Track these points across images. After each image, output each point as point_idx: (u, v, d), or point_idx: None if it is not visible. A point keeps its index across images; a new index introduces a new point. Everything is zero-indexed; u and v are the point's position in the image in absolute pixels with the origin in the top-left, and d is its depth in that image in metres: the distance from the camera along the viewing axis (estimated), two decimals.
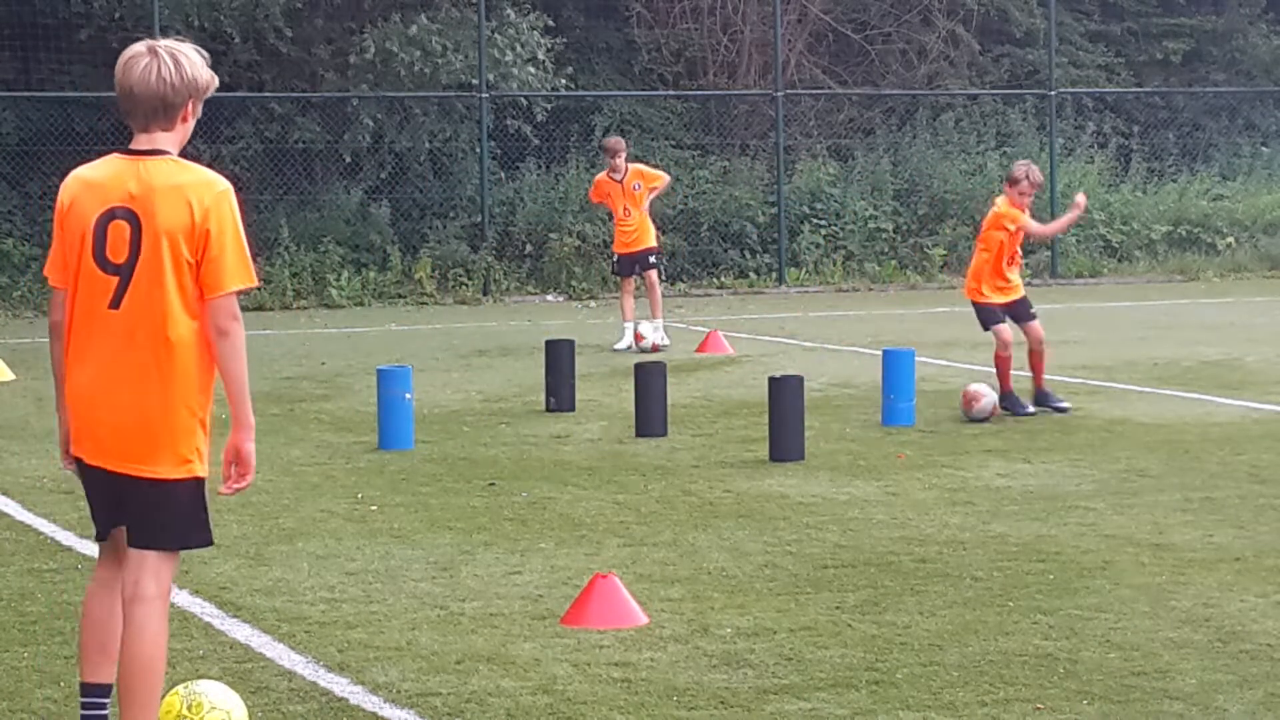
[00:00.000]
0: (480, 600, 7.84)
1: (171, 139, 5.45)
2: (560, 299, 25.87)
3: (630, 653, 6.95)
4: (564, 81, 27.75)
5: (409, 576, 8.30)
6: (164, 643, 5.48)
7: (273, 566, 8.56)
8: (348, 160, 26.86)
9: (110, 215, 5.36)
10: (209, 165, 5.58)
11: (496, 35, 26.72)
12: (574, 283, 26.21)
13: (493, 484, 10.73)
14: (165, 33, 25.21)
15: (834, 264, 27.80)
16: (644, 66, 30.44)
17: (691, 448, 12.06)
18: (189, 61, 5.39)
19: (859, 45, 31.46)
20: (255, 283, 5.54)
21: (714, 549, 8.86)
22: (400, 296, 25.42)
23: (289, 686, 6.58)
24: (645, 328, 18.16)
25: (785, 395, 11.57)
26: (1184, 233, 29.95)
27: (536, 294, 26.16)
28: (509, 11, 27.24)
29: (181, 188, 5.37)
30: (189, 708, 5.68)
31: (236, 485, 5.67)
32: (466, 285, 25.73)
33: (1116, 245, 29.55)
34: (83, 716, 5.57)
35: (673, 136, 29.19)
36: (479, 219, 26.72)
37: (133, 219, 5.34)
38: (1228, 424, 12.81)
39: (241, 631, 7.36)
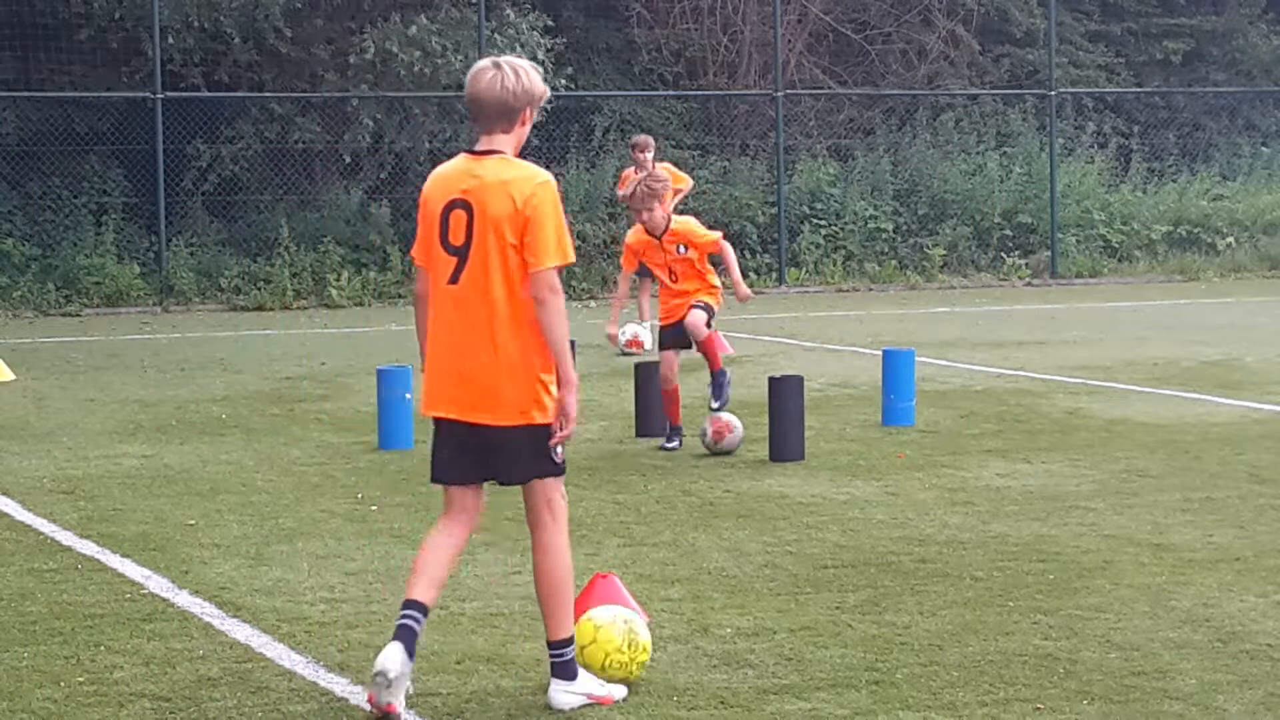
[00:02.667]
0: (480, 600, 7.84)
1: (509, 140, 6.33)
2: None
3: None
4: (564, 81, 27.75)
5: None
6: (567, 560, 6.39)
7: (273, 566, 8.56)
8: (348, 160, 26.86)
9: (451, 205, 6.29)
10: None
11: (496, 35, 26.72)
12: (574, 283, 26.21)
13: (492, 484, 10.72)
14: (165, 33, 25.23)
15: (834, 264, 27.81)
16: (644, 66, 30.45)
17: (691, 448, 12.06)
18: (527, 74, 6.28)
19: (859, 45, 31.46)
20: (571, 259, 6.25)
21: (714, 549, 8.86)
22: (400, 296, 25.41)
23: (289, 686, 6.58)
24: (645, 336, 17.87)
25: (785, 395, 11.57)
26: (1184, 233, 29.96)
27: None
28: (509, 11, 27.24)
29: (506, 183, 6.22)
30: (628, 645, 6.49)
31: (561, 435, 6.37)
32: None
33: (1116, 245, 29.56)
34: (398, 623, 6.21)
35: (673, 136, 29.19)
36: None
37: (468, 209, 6.25)
38: (1228, 424, 12.81)
39: (241, 631, 7.35)
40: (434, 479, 6.50)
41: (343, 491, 10.57)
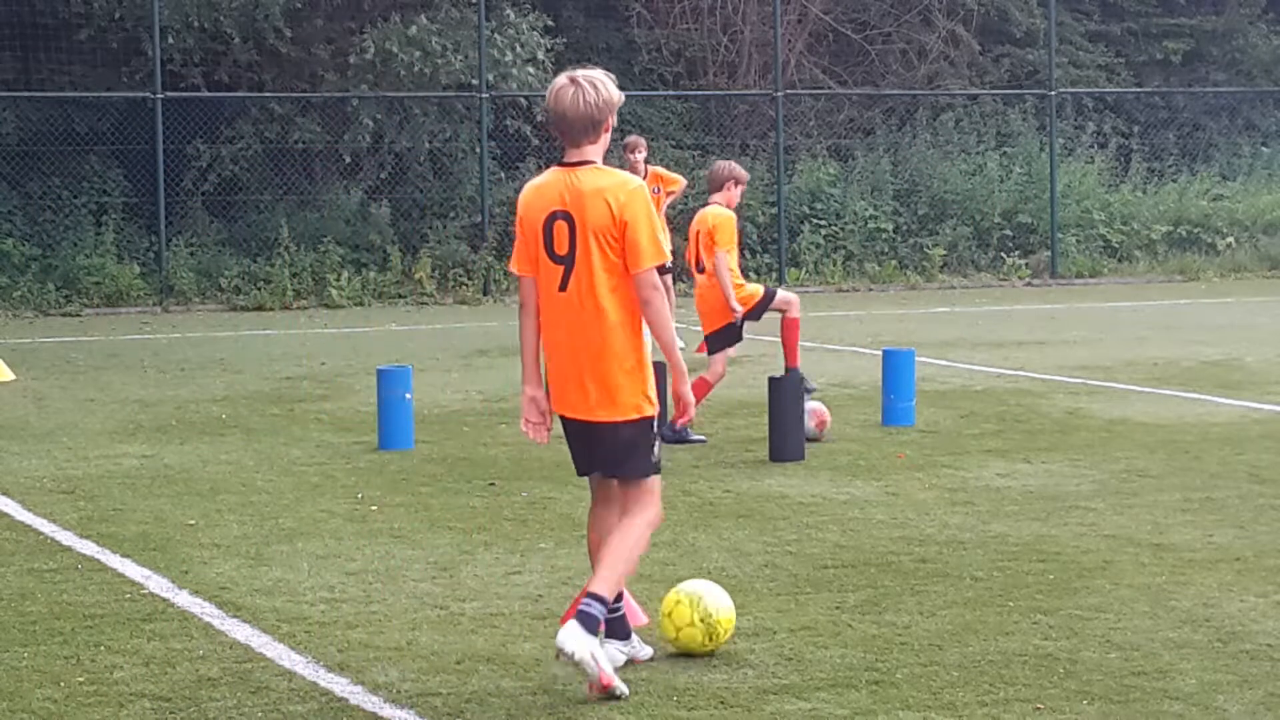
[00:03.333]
0: (480, 600, 7.84)
1: (597, 150, 6.70)
2: None
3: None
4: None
5: (409, 576, 8.30)
6: (639, 542, 6.67)
7: (273, 566, 8.56)
8: (348, 160, 26.87)
9: (553, 217, 6.65)
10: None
11: (496, 35, 26.73)
12: None
13: (493, 484, 10.73)
14: (165, 33, 25.24)
15: (834, 264, 27.81)
16: (644, 66, 30.45)
17: (691, 448, 12.05)
18: (604, 85, 6.67)
19: (859, 45, 31.46)
20: (666, 259, 6.66)
21: (714, 549, 8.86)
22: (400, 296, 25.43)
23: (289, 686, 6.58)
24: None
25: (785, 395, 11.57)
26: (1184, 233, 29.96)
27: None
28: (509, 11, 27.25)
29: (602, 190, 6.61)
30: (709, 637, 6.85)
31: (681, 420, 6.83)
32: (466, 285, 25.74)
33: (1116, 245, 29.56)
34: (606, 620, 6.62)
35: (673, 136, 29.19)
36: (479, 219, 26.72)
37: (570, 221, 6.62)
38: (1228, 424, 12.81)
39: (241, 631, 7.35)
40: (578, 473, 6.91)
41: (343, 491, 10.57)
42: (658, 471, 6.77)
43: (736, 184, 13.18)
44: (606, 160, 6.76)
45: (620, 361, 6.65)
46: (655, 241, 6.61)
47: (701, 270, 12.65)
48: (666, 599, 6.97)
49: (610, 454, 6.71)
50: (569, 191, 6.64)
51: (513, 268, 6.88)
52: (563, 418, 6.82)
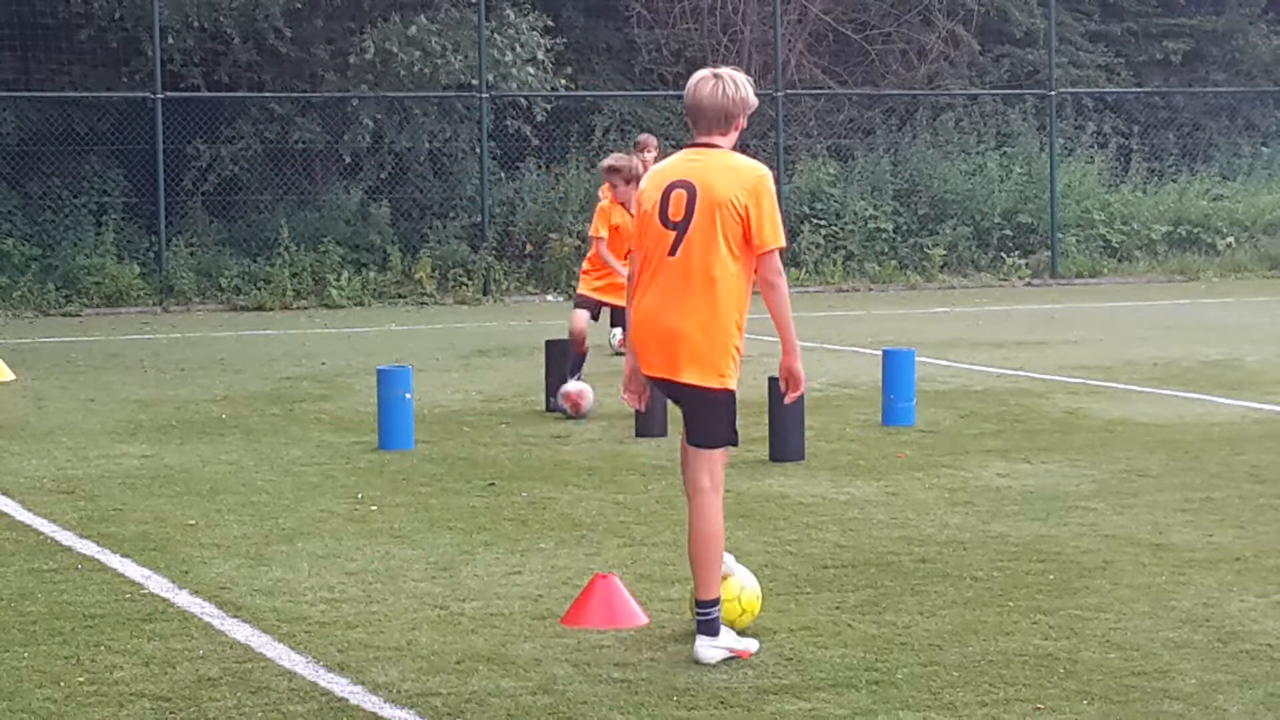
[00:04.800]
0: (480, 600, 7.84)
1: (725, 141, 7.00)
2: (560, 299, 25.86)
3: (630, 653, 6.95)
4: (564, 82, 27.75)
5: (409, 576, 8.30)
6: (719, 525, 6.92)
7: (273, 566, 8.56)
8: (348, 160, 26.87)
9: (672, 186, 6.91)
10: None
11: (496, 35, 26.73)
12: (574, 283, 26.16)
13: (493, 484, 10.73)
14: (165, 34, 25.25)
15: (834, 264, 27.81)
16: (644, 66, 30.45)
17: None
18: (743, 84, 7.01)
19: (859, 45, 31.46)
20: (783, 243, 6.91)
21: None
22: (400, 296, 25.43)
23: (289, 686, 6.58)
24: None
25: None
26: (1184, 233, 29.96)
27: (536, 294, 26.17)
28: (509, 12, 27.24)
29: (734, 169, 6.91)
30: (741, 613, 7.20)
31: (792, 395, 7.14)
32: (466, 285, 25.74)
33: (1116, 245, 29.56)
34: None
35: (673, 136, 29.15)
36: (479, 219, 26.73)
37: (690, 188, 6.86)
38: (1228, 424, 12.81)
39: (241, 631, 7.35)
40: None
41: (343, 491, 10.57)
42: (732, 444, 6.99)
43: (627, 182, 14.00)
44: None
45: (717, 328, 6.85)
46: (775, 226, 6.88)
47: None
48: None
49: (692, 419, 6.97)
50: (694, 165, 6.94)
51: (630, 248, 7.20)
52: (649, 378, 7.07)
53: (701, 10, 30.49)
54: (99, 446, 12.39)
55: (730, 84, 6.95)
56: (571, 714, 6.24)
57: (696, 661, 6.77)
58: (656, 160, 18.19)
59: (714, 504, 6.92)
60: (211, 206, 26.76)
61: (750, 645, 6.91)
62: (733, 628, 7.04)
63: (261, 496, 10.41)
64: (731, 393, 6.94)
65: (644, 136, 18.71)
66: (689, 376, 6.89)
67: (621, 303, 13.91)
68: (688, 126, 7.07)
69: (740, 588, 7.19)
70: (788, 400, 7.23)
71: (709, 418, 6.93)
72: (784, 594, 7.88)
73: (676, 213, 6.87)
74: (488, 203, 26.61)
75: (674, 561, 8.56)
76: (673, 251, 6.88)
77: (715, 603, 6.88)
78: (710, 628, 6.82)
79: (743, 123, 7.03)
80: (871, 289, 27.26)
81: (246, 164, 26.72)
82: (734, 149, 7.02)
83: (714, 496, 6.92)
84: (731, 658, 6.80)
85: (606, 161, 14.41)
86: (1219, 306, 23.57)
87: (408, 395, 12.12)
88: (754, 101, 7.02)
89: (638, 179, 13.53)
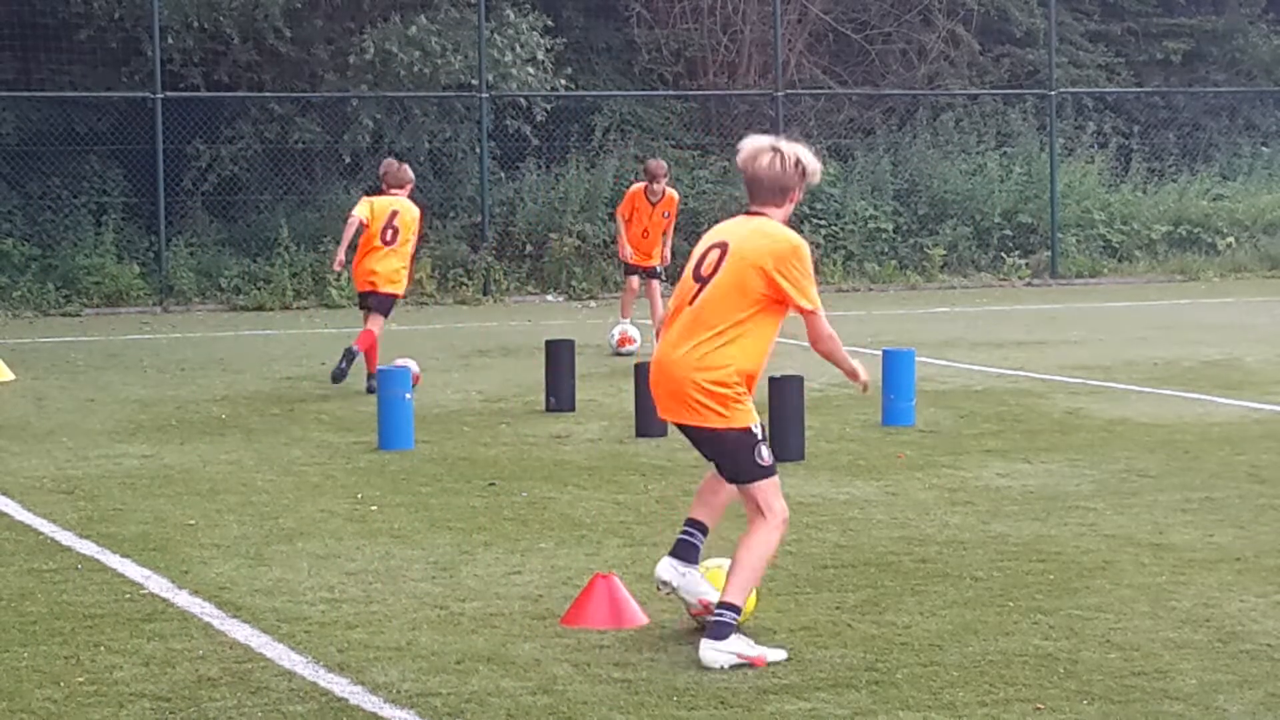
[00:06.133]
0: (480, 600, 7.84)
1: (778, 213, 7.26)
2: (560, 299, 25.88)
3: (630, 653, 6.95)
4: (563, 82, 27.74)
5: (409, 576, 8.30)
6: (768, 553, 7.08)
7: (273, 566, 8.56)
8: (347, 160, 26.86)
9: (711, 246, 7.22)
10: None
11: (496, 35, 26.72)
12: (574, 283, 26.21)
13: (493, 484, 10.73)
14: (165, 34, 25.25)
15: (834, 264, 27.81)
16: (644, 66, 30.44)
17: (691, 448, 12.02)
18: (804, 158, 7.23)
19: (859, 45, 31.46)
20: (815, 307, 7.12)
21: (714, 549, 8.83)
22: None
23: (289, 686, 6.58)
24: (633, 331, 18.19)
25: (785, 395, 11.57)
26: (1184, 233, 29.95)
27: (536, 294, 26.16)
28: (508, 12, 27.24)
29: (769, 235, 7.12)
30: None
31: (862, 386, 7.67)
32: (466, 285, 25.74)
33: (1116, 245, 29.56)
34: (679, 538, 7.34)
35: (673, 136, 29.18)
36: (479, 219, 26.73)
37: (724, 248, 7.15)
38: (1228, 424, 12.81)
39: (241, 631, 7.35)
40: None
41: (343, 491, 10.57)
42: (763, 476, 7.09)
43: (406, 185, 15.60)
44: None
45: (716, 378, 7.05)
46: (806, 292, 7.09)
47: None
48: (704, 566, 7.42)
49: (718, 458, 7.26)
50: (740, 230, 7.22)
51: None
52: (669, 422, 7.41)
53: (701, 10, 30.48)
54: (99, 446, 12.39)
55: (790, 159, 7.18)
56: (571, 714, 6.24)
57: (701, 664, 6.78)
58: (667, 184, 18.49)
59: (771, 533, 7.05)
60: (211, 206, 26.76)
61: (769, 654, 6.86)
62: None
63: (261, 496, 10.41)
64: (746, 430, 7.06)
65: (654, 164, 18.72)
66: (696, 420, 7.14)
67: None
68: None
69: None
70: (861, 387, 7.68)
71: (730, 457, 7.14)
72: (784, 594, 7.88)
73: (707, 269, 7.16)
74: (488, 203, 26.61)
75: None
76: (692, 301, 7.15)
77: (736, 610, 6.91)
78: (721, 631, 6.84)
79: (798, 195, 7.28)
80: (871, 289, 27.26)
81: (246, 164, 26.72)
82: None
83: (771, 526, 7.05)
84: (741, 664, 6.77)
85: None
86: (1219, 306, 23.57)
87: (407, 395, 12.13)
88: (815, 170, 7.25)
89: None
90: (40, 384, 16.11)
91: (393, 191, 15.52)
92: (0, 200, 25.73)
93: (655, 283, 18.54)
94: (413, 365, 14.88)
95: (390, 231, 15.26)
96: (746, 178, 7.29)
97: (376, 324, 15.27)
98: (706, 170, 28.27)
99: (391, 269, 15.30)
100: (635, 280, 18.57)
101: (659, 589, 7.26)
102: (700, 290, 7.14)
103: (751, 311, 7.06)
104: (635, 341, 18.00)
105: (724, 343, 7.05)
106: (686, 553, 7.27)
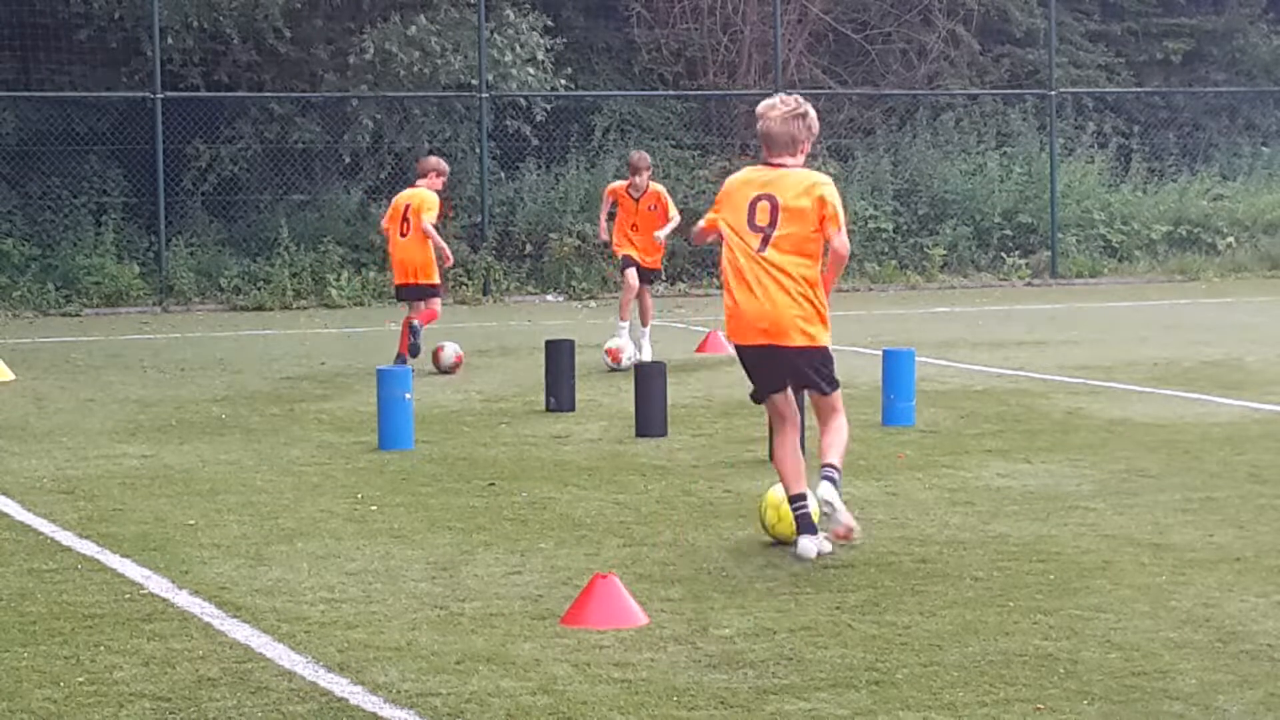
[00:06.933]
0: (480, 600, 7.84)
1: (795, 161, 8.71)
2: (560, 299, 25.88)
3: (630, 653, 6.95)
4: (563, 82, 27.74)
5: (409, 576, 8.30)
6: (846, 434, 8.81)
7: (273, 566, 8.56)
8: (347, 160, 26.87)
9: (758, 198, 8.63)
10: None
11: (496, 35, 26.73)
12: (574, 283, 26.21)
13: (493, 484, 10.73)
14: (165, 33, 25.26)
15: None
16: (644, 66, 30.44)
17: (691, 448, 12.06)
18: (810, 111, 8.72)
19: (859, 45, 31.46)
20: (844, 228, 8.72)
21: (714, 549, 8.85)
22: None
23: (289, 686, 6.58)
24: (621, 342, 16.82)
25: None
26: (1184, 233, 29.95)
27: (536, 294, 26.17)
28: (508, 12, 27.24)
29: (801, 180, 8.63)
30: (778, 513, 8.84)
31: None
32: (466, 285, 25.74)
33: (1116, 245, 29.56)
34: (796, 516, 8.60)
35: (673, 136, 29.19)
36: (479, 219, 26.73)
37: (773, 200, 8.59)
38: (1228, 424, 12.81)
39: (241, 631, 7.35)
40: (760, 398, 8.93)
41: (343, 491, 10.57)
42: (838, 387, 8.76)
43: (439, 175, 16.87)
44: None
45: (806, 301, 8.59)
46: (837, 218, 8.59)
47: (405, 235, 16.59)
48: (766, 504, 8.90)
49: (805, 373, 8.67)
50: (775, 181, 8.63)
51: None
52: (751, 347, 8.69)
53: (701, 10, 30.49)
54: (99, 446, 12.39)
55: (800, 111, 8.67)
56: (571, 714, 6.24)
57: (821, 498, 8.43)
58: (650, 178, 17.77)
59: (844, 419, 8.82)
60: (211, 206, 26.77)
61: (853, 524, 8.47)
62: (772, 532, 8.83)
63: (261, 496, 10.42)
64: (827, 348, 8.70)
65: (638, 156, 17.91)
66: (800, 340, 8.69)
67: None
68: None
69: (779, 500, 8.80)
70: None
71: (822, 369, 8.76)
72: (784, 594, 7.88)
73: (763, 219, 8.61)
74: (488, 203, 26.62)
75: (674, 561, 8.56)
76: (762, 248, 8.61)
77: (840, 470, 8.59)
78: (837, 481, 8.49)
79: (808, 147, 8.73)
80: (871, 289, 27.26)
81: (246, 164, 26.72)
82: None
83: (842, 416, 8.79)
84: (842, 513, 8.37)
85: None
86: (1219, 306, 23.57)
87: (407, 395, 12.12)
88: (817, 126, 8.82)
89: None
90: (40, 384, 16.11)
91: (417, 184, 16.82)
92: (0, 200, 25.73)
93: (646, 287, 17.69)
94: (457, 348, 16.37)
95: (405, 224, 16.52)
96: (762, 133, 8.68)
97: (435, 305, 16.84)
98: (706, 170, 28.24)
99: (413, 259, 16.45)
100: (633, 275, 17.41)
101: (831, 541, 8.59)
102: (765, 238, 8.55)
103: (818, 240, 8.60)
104: (624, 356, 16.52)
105: (808, 277, 8.59)
106: (812, 526, 8.56)
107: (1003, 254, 28.70)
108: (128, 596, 7.99)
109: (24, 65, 26.91)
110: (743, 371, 9.02)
